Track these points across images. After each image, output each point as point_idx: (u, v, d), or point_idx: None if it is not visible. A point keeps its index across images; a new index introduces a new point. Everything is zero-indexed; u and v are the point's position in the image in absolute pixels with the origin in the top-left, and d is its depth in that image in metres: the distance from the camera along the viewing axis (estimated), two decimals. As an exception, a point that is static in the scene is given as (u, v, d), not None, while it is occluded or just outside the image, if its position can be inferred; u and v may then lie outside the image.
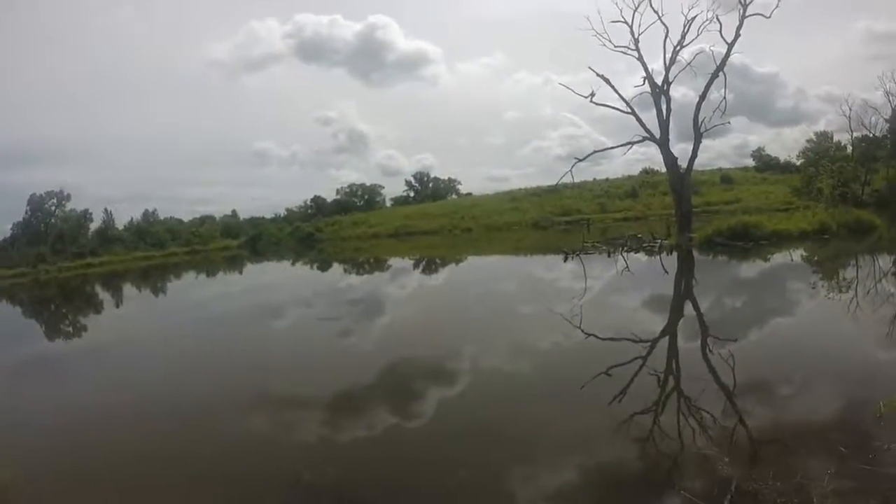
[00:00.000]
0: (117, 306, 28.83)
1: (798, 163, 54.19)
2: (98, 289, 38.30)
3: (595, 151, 35.90)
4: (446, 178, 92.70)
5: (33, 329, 24.40)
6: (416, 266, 36.84)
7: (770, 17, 30.08)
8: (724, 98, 30.64)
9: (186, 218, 75.05)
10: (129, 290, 37.00)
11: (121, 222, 65.80)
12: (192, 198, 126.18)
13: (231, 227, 72.56)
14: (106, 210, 64.54)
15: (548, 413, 8.48)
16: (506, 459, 7.03)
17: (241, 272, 43.40)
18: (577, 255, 27.58)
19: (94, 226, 62.84)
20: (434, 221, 59.64)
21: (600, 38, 31.24)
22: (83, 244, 57.80)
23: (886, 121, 42.20)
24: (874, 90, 69.33)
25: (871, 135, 42.94)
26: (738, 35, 29.69)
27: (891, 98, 41.86)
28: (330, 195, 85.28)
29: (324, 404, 9.97)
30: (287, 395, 10.69)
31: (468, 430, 8.20)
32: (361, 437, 8.37)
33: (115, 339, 18.67)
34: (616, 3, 31.38)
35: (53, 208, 61.57)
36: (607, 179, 66.62)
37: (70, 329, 22.56)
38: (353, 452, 7.89)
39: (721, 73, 30.47)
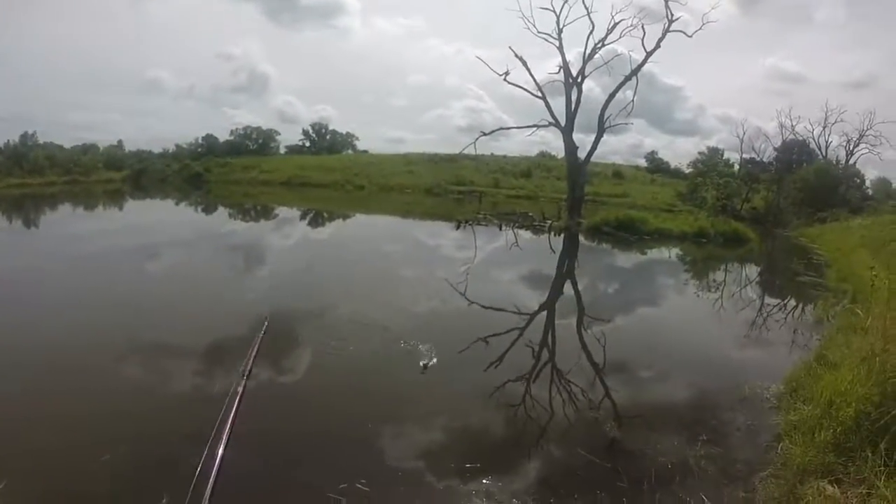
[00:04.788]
0: None
1: (687, 171, 56.63)
2: None
3: (501, 128, 36.83)
4: (345, 132, 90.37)
5: None
6: (303, 218, 35.88)
7: (692, 36, 31.27)
8: (633, 100, 31.87)
9: (68, 144, 67.57)
10: None
11: None
12: (76, 123, 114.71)
13: (115, 158, 67.14)
14: None
15: (422, 375, 8.27)
16: (372, 415, 6.81)
17: (121, 208, 40.91)
18: (469, 224, 27.68)
19: None
20: (328, 175, 58.08)
21: (525, 20, 31.75)
22: None
23: (775, 149, 45.23)
24: (769, 120, 74.45)
25: (758, 158, 45.82)
26: (657, 46, 30.94)
27: (783, 131, 44.95)
28: (223, 135, 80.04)
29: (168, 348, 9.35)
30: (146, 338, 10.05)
31: (332, 386, 7.97)
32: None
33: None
34: (548, -9, 31.57)
35: (-82, 123, 55.05)
36: (504, 156, 67.27)
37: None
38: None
39: (634, 78, 31.44)
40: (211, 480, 4.89)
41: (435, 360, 8.17)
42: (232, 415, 5.78)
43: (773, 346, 10.80)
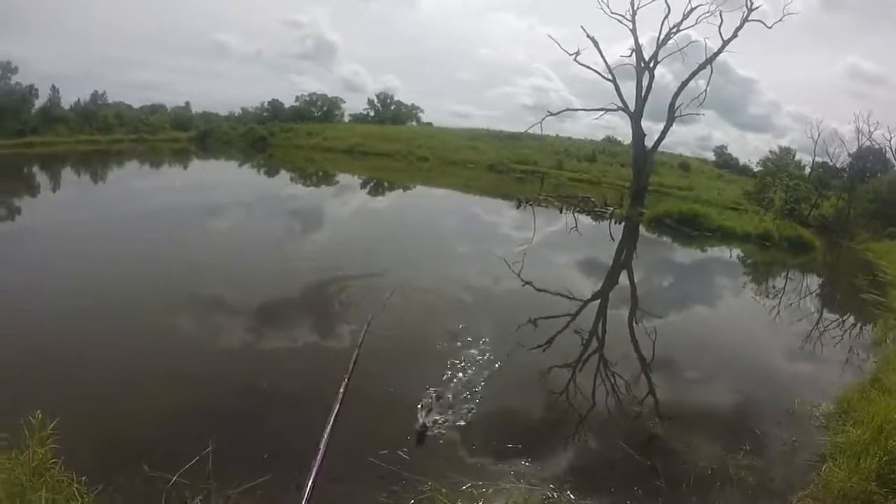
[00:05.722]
0: (53, 191, 26.63)
1: (756, 169, 55.04)
2: (35, 170, 35.53)
3: (568, 109, 36.43)
4: (409, 103, 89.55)
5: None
6: (363, 186, 36.16)
7: (771, 27, 30.36)
8: (705, 90, 31.01)
9: (137, 104, 69.21)
10: (68, 174, 34.49)
11: (68, 102, 60.59)
12: (144, 83, 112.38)
13: (182, 119, 67.67)
14: (53, 87, 58.15)
15: (467, 355, 8.32)
16: (410, 389, 6.96)
17: (185, 167, 41.65)
18: (530, 205, 27.62)
19: (39, 103, 57.32)
20: (391, 145, 57.91)
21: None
22: (25, 121, 53.53)
23: (849, 155, 43.15)
24: (846, 123, 71.00)
25: (831, 163, 43.93)
26: (735, 35, 29.94)
27: (860, 136, 42.71)
28: (288, 101, 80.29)
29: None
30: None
31: (389, 359, 8.04)
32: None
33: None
34: (624, -29, 30.97)
35: (-2, 79, 55.67)
36: (569, 138, 66.28)
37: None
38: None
39: (708, 67, 30.71)
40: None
41: (436, 417, 6.37)
42: (337, 406, 6.16)
43: (826, 363, 10.60)
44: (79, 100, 60.34)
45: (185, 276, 11.59)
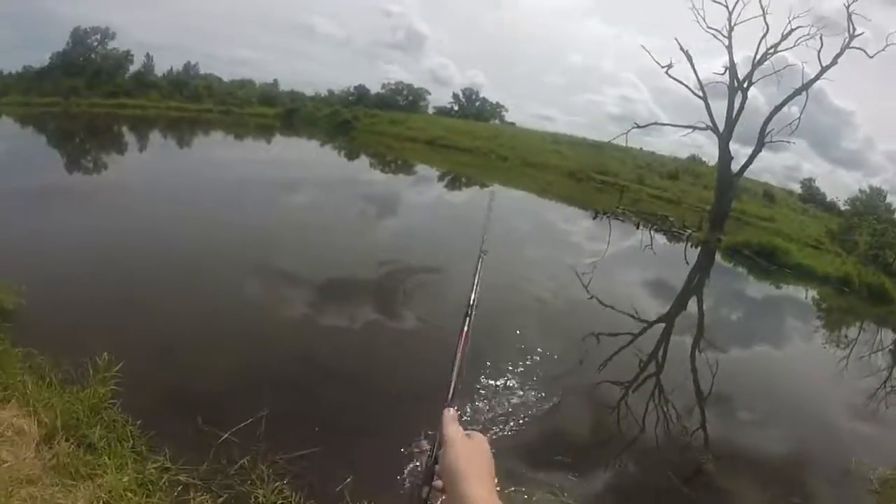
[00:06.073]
0: (140, 152, 27.95)
1: (843, 207, 53.10)
2: (125, 130, 37.29)
3: (655, 123, 35.34)
4: (494, 101, 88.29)
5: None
6: (441, 178, 36.54)
7: (873, 57, 29.02)
8: (799, 118, 29.83)
9: (226, 77, 70.51)
10: (156, 137, 36.05)
11: (160, 70, 63.25)
12: (234, 58, 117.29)
13: (270, 95, 69.56)
14: (147, 55, 60.74)
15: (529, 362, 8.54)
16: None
17: (268, 142, 43.06)
18: (607, 217, 27.43)
19: (133, 69, 60.24)
20: (473, 141, 57.70)
21: (696, 12, 30.07)
22: (119, 84, 56.46)
23: (942, 202, 41.16)
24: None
25: (920, 210, 42.03)
26: (834, 62, 28.44)
27: (957, 183, 40.62)
28: (375, 87, 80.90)
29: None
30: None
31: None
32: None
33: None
34: (723, -15, 30.03)
35: (95, 44, 58.58)
36: (652, 153, 64.84)
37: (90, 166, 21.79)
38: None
39: (804, 93, 29.63)
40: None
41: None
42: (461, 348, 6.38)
43: (889, 425, 10.33)
44: (171, 68, 63.19)
45: (263, 246, 12.33)
